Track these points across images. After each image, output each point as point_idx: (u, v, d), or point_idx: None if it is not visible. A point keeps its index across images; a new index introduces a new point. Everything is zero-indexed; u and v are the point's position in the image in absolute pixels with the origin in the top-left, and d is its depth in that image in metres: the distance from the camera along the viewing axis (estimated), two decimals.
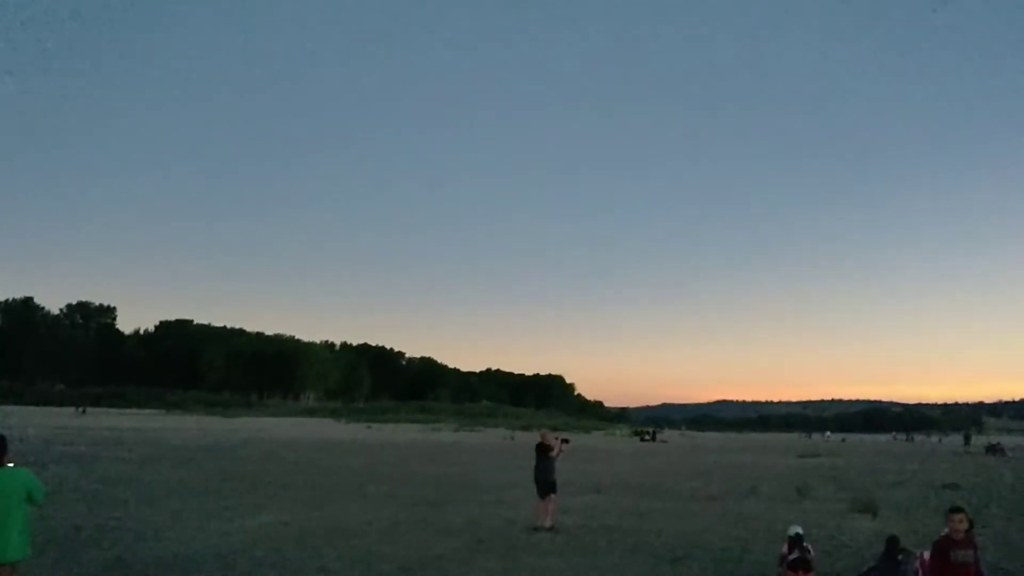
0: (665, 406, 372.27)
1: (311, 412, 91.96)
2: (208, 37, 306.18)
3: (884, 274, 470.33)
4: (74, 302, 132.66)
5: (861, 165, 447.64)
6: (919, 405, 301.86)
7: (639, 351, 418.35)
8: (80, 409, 69.02)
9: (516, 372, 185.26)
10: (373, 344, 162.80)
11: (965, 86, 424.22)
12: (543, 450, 12.30)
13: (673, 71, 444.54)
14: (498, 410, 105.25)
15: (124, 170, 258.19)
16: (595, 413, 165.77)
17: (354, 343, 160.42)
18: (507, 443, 44.37)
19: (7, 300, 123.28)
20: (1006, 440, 62.74)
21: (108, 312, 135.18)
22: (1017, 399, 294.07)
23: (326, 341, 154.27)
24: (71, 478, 16.48)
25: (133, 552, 8.95)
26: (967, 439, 57.21)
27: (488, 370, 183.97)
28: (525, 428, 65.68)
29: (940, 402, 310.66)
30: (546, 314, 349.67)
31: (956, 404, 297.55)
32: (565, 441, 12.94)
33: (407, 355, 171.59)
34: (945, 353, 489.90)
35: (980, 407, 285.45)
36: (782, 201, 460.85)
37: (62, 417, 55.87)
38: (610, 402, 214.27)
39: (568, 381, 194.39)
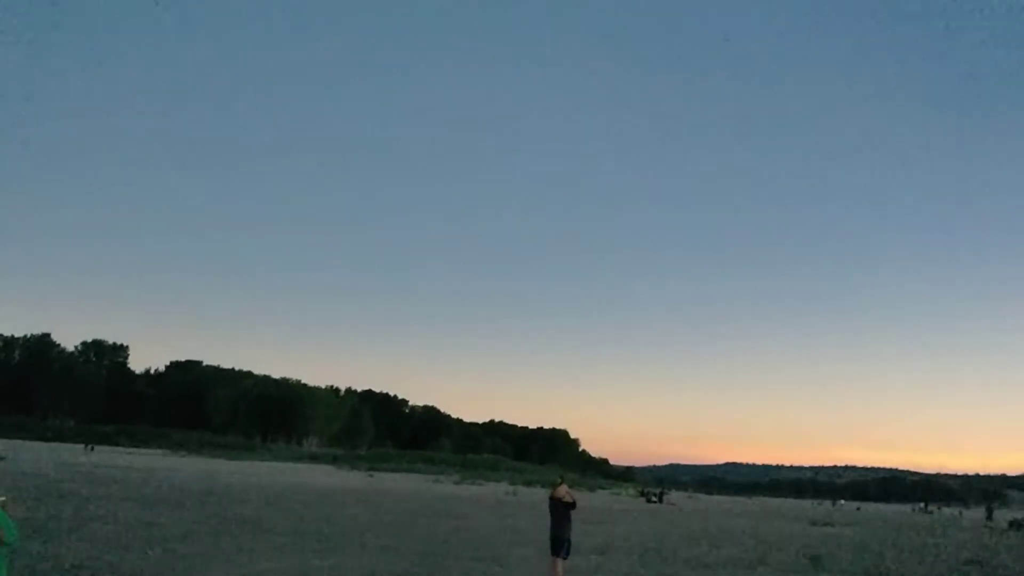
0: (673, 466, 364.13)
1: (313, 458, 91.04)
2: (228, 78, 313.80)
3: (904, 337, 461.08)
4: (89, 340, 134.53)
5: (881, 223, 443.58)
6: (938, 475, 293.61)
7: (647, 408, 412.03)
8: (88, 447, 69.18)
9: (519, 424, 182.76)
10: (377, 390, 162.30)
11: (996, 136, 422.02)
12: (561, 504, 11.47)
13: (696, 120, 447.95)
14: (500, 463, 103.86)
15: (143, 214, 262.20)
16: (600, 471, 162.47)
17: (358, 388, 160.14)
18: (509, 498, 43.66)
19: (25, 336, 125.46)
20: None
21: (121, 351, 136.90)
22: None
23: (331, 386, 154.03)
24: (74, 516, 16.46)
25: None
26: (989, 512, 55.30)
27: (491, 421, 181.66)
28: (528, 483, 64.61)
29: (960, 472, 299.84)
30: (551, 365, 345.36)
31: (977, 475, 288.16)
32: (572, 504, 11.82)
33: (411, 403, 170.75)
34: (967, 421, 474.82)
35: (1003, 479, 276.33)
36: (801, 260, 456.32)
37: (71, 454, 56.37)
38: (616, 459, 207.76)
39: (572, 436, 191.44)
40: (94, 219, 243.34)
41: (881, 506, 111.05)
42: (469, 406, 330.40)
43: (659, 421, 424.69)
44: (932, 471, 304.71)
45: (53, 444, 75.60)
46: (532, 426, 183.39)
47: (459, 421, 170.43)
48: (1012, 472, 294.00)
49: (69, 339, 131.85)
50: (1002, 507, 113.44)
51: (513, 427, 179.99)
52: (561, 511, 11.48)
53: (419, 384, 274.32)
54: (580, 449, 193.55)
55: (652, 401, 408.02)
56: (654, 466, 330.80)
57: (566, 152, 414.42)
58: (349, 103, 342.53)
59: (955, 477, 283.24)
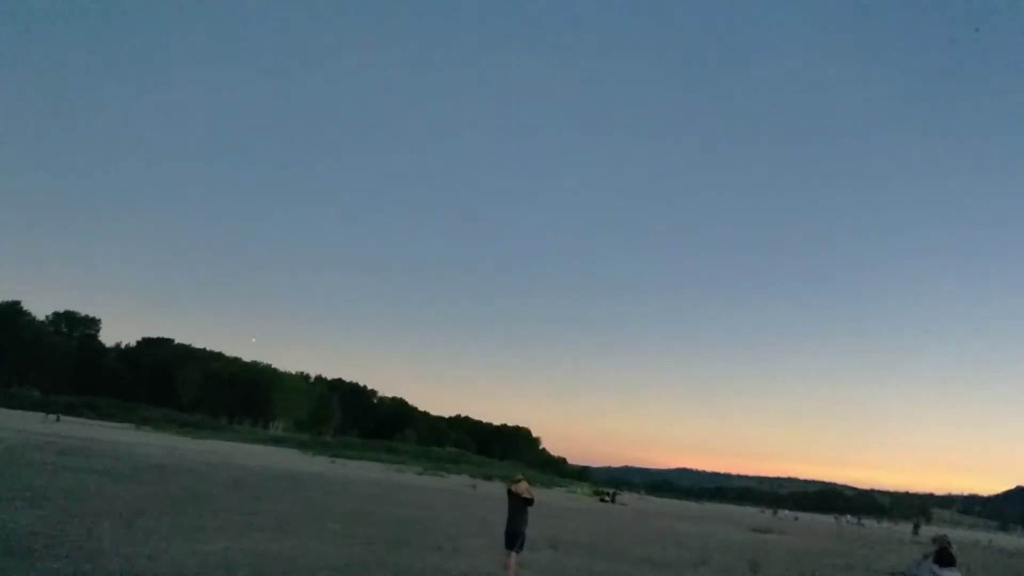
0: (627, 468, 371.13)
1: (278, 441, 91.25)
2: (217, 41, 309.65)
3: (848, 362, 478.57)
4: (61, 310, 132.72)
5: (831, 250, 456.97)
6: (871, 491, 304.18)
7: (606, 412, 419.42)
8: (54, 416, 68.70)
9: (484, 421, 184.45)
10: (347, 380, 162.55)
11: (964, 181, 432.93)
12: (519, 499, 11.69)
13: (672, 148, 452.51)
14: (463, 457, 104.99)
15: (121, 193, 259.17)
16: (558, 469, 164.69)
17: (328, 376, 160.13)
18: (469, 491, 44.55)
19: None
20: (953, 534, 63.57)
21: (92, 324, 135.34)
22: (965, 494, 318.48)
23: (301, 372, 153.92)
24: (34, 485, 16.45)
25: (88, 566, 8.91)
26: (916, 528, 58.33)
27: (457, 416, 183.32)
28: (488, 477, 65.82)
29: (891, 489, 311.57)
30: (518, 366, 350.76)
31: (907, 493, 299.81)
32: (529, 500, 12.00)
33: (379, 393, 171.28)
34: (900, 443, 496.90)
35: (930, 498, 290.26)
36: (757, 277, 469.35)
37: (34, 423, 55.69)
38: (573, 459, 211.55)
39: (534, 435, 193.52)
40: (73, 196, 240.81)
41: (818, 517, 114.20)
42: (436, 400, 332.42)
43: (617, 425, 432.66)
44: (867, 487, 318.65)
45: (16, 412, 74.24)
46: (496, 423, 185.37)
47: (425, 414, 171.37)
48: (939, 492, 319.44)
49: (40, 308, 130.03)
50: (927, 523, 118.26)
51: (478, 423, 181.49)
52: (518, 506, 11.75)
53: (389, 376, 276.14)
54: (540, 447, 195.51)
55: (612, 406, 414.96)
56: (610, 467, 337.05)
57: (550, 158, 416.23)
58: (325, 99, 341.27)
59: (887, 494, 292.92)
